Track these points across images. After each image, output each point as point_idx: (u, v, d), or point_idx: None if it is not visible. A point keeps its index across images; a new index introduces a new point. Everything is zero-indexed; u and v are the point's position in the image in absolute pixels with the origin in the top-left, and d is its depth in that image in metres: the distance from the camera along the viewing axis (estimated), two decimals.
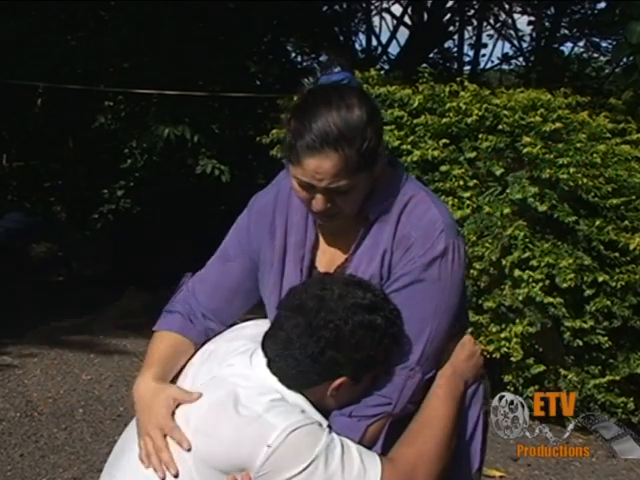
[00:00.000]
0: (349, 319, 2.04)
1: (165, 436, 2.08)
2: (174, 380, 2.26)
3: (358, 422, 2.12)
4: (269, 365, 2.10)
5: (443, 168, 6.14)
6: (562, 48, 17.25)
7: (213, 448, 2.02)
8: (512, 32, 17.49)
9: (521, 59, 17.97)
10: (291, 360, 2.05)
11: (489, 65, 18.61)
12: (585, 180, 5.83)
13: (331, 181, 2.05)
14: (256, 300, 2.39)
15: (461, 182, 6.10)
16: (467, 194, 6.09)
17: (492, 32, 17.81)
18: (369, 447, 2.12)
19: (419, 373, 2.15)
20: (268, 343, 2.12)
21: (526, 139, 5.97)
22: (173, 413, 2.12)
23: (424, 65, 11.15)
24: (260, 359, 2.12)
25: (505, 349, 5.91)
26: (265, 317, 2.34)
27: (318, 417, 2.08)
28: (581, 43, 17.11)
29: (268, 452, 1.96)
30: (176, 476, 2.03)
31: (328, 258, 2.28)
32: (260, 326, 2.27)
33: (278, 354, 2.08)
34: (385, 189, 2.20)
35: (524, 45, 17.47)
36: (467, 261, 2.29)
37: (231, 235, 2.39)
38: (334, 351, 2.04)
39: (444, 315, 2.17)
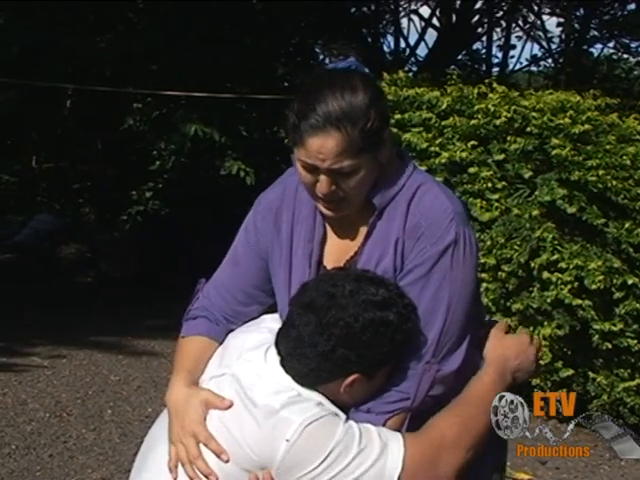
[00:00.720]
0: (360, 316, 2.02)
1: (199, 444, 2.07)
2: None
3: (376, 416, 2.10)
4: (282, 363, 2.09)
5: (471, 170, 6.12)
6: (591, 49, 17.21)
7: (234, 446, 2.03)
8: (541, 33, 17.47)
9: (550, 60, 17.95)
10: (302, 358, 2.05)
11: (518, 67, 18.61)
12: (614, 182, 5.80)
13: (334, 161, 2.05)
14: (273, 298, 2.36)
15: (489, 184, 6.08)
16: (495, 196, 6.07)
17: (521, 34, 17.79)
18: None
19: (435, 365, 2.13)
20: (281, 341, 2.11)
21: (555, 141, 5.94)
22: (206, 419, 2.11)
23: (452, 67, 11.16)
24: (275, 356, 2.12)
25: None
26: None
27: (334, 409, 2.07)
28: (611, 44, 17.05)
29: (287, 446, 1.96)
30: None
31: (337, 252, 2.25)
32: (277, 320, 2.28)
33: (290, 352, 2.07)
34: (392, 179, 2.19)
35: (553, 46, 17.45)
36: (478, 249, 2.26)
37: (240, 236, 2.37)
38: (345, 349, 2.02)
39: (458, 305, 2.15)
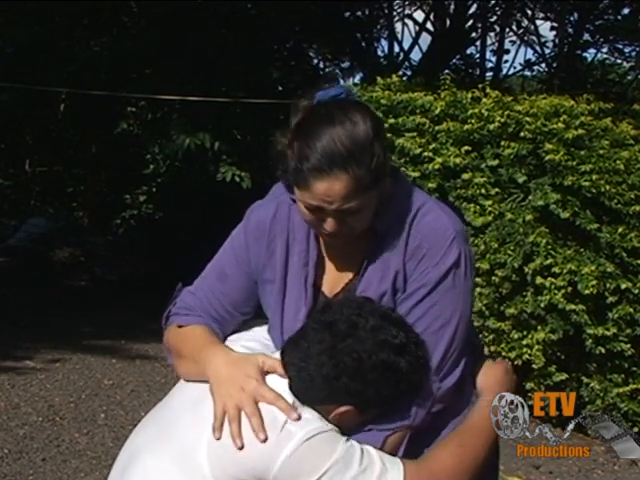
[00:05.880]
0: (374, 354, 1.99)
1: (257, 403, 2.01)
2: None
3: (377, 433, 2.08)
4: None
5: (465, 175, 6.12)
6: (585, 54, 17.24)
7: (232, 454, 2.01)
8: (535, 38, 17.49)
9: (544, 65, 17.96)
10: (304, 373, 2.03)
11: (511, 71, 18.64)
12: (608, 187, 5.81)
13: (342, 203, 1.98)
14: (251, 315, 2.30)
15: (483, 190, 6.09)
16: (489, 201, 6.07)
17: (514, 38, 17.82)
18: None
19: (437, 383, 2.11)
20: (288, 348, 2.09)
21: (548, 146, 5.95)
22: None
23: (446, 71, 11.17)
24: None
25: (527, 356, 5.89)
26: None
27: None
28: (604, 49, 17.08)
29: (286, 458, 1.95)
30: (264, 440, 1.96)
31: (334, 276, 2.21)
32: (264, 330, 2.27)
33: (294, 363, 2.05)
34: (391, 203, 2.13)
35: (547, 51, 17.47)
36: (474, 265, 2.26)
37: (227, 251, 2.29)
38: (349, 380, 2.00)
39: (460, 323, 2.14)
